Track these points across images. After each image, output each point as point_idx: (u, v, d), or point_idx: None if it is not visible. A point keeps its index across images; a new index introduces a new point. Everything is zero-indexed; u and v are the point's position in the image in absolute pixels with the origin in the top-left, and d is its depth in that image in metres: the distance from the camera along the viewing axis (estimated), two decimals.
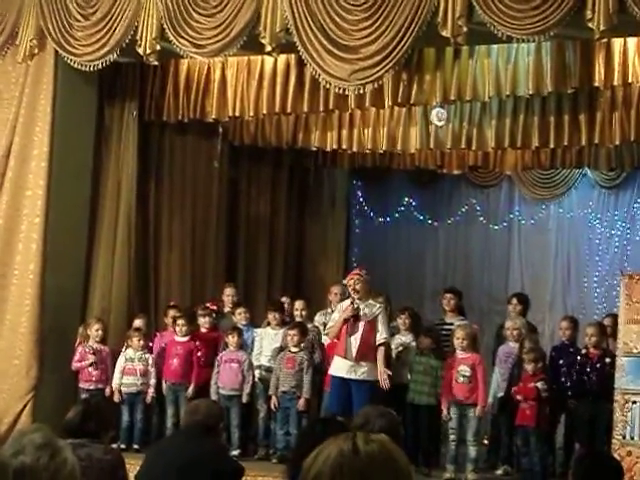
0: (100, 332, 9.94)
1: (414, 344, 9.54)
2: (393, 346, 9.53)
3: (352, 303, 8.90)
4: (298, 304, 10.18)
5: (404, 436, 4.71)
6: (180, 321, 9.91)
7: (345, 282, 9.31)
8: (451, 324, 9.87)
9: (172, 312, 10.32)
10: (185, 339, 9.87)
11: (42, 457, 2.52)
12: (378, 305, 9.01)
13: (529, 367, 8.82)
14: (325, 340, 9.71)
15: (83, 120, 10.55)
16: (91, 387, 9.84)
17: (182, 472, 5.05)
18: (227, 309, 10.59)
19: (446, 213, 14.10)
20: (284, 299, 10.72)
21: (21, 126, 10.26)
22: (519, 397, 8.81)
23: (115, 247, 10.75)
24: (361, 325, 8.86)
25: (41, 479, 2.50)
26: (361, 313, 8.87)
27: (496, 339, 10.27)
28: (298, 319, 9.97)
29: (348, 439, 2.12)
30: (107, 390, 9.86)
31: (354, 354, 8.80)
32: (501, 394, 9.26)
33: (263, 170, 13.06)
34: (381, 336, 8.87)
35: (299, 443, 4.74)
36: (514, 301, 10.17)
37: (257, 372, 9.78)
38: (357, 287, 8.91)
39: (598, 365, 8.92)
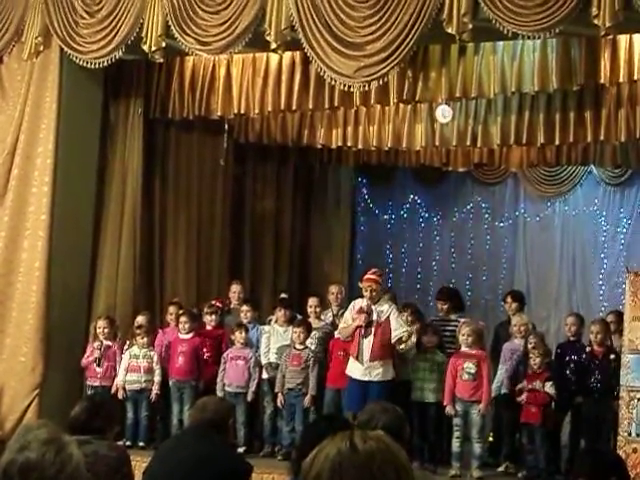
0: (102, 329, 9.91)
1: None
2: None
3: (367, 312, 8.82)
4: (312, 301, 10.03)
5: (410, 433, 4.69)
6: (183, 318, 9.88)
7: (360, 285, 9.22)
8: (454, 320, 9.87)
9: (173, 309, 10.31)
10: (189, 336, 9.84)
11: (48, 452, 2.52)
12: (388, 305, 9.00)
13: (536, 362, 8.81)
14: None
15: (88, 117, 10.55)
16: (96, 384, 9.85)
17: (191, 471, 5.03)
18: (233, 306, 10.57)
19: (451, 210, 14.09)
20: (284, 295, 10.71)
21: (26, 123, 10.27)
22: (521, 398, 8.80)
23: (120, 244, 10.75)
24: (374, 327, 8.85)
25: (47, 474, 2.49)
26: (374, 318, 8.86)
27: (494, 337, 10.29)
28: (312, 316, 9.93)
29: (345, 438, 2.10)
30: (114, 387, 9.85)
31: (367, 357, 8.79)
32: (505, 391, 9.25)
33: (268, 167, 13.08)
34: (396, 332, 8.84)
35: (303, 440, 4.73)
36: (509, 299, 10.26)
37: (265, 369, 9.76)
38: (373, 294, 8.89)
39: (603, 362, 8.90)
